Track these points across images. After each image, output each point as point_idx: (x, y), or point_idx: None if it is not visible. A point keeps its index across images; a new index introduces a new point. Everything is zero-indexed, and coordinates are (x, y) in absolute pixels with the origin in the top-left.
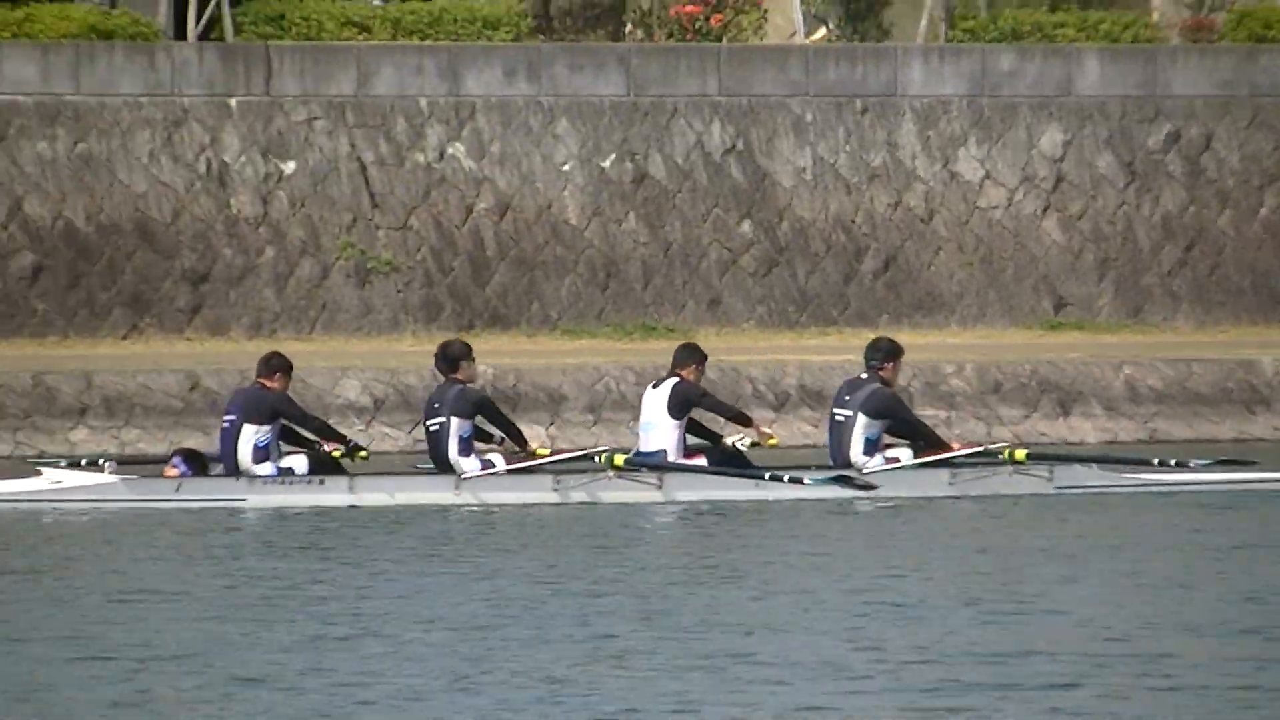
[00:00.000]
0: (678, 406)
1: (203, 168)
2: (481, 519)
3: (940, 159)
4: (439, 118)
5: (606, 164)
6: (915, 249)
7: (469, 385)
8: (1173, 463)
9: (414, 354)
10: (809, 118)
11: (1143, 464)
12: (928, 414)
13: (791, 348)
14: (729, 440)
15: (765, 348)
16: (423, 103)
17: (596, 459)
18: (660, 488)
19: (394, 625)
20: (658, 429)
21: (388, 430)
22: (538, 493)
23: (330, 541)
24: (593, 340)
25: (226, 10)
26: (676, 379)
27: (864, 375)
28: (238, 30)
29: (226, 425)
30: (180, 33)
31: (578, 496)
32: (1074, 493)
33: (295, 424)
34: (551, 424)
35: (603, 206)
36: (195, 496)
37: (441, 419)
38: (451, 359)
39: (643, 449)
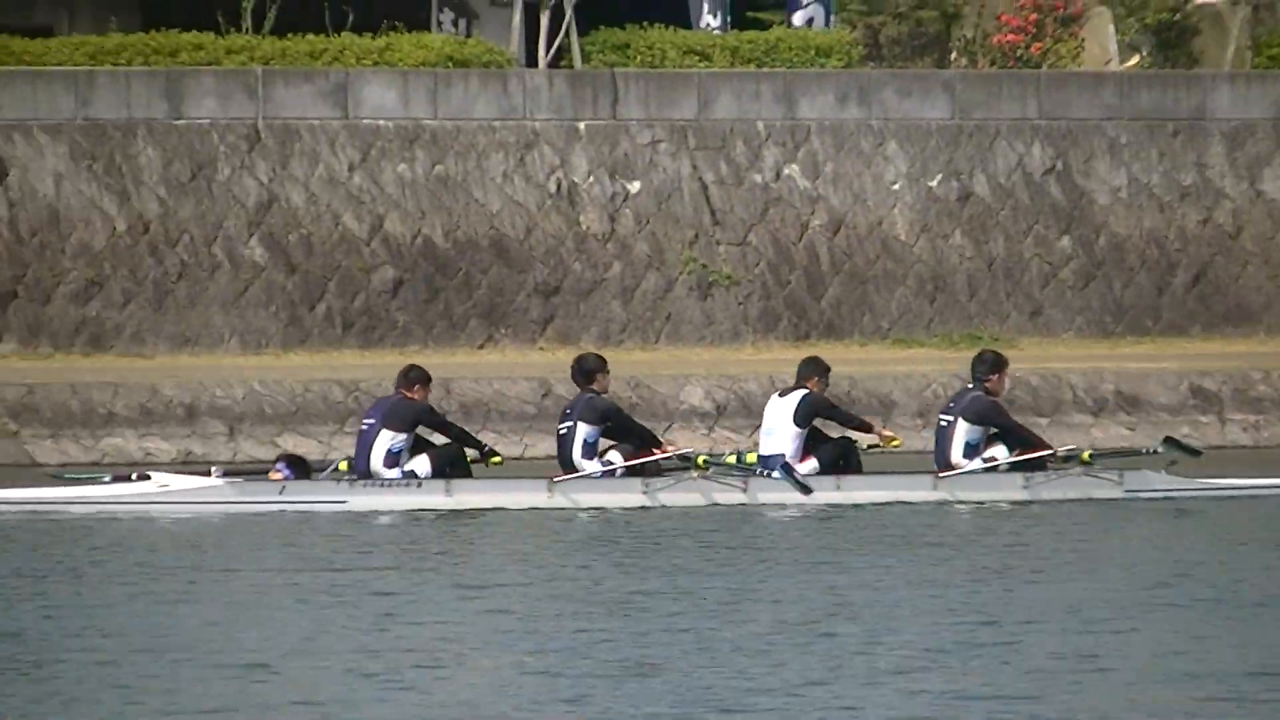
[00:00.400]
0: (804, 416)
1: (553, 187)
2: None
3: (1247, 178)
4: (775, 140)
5: (933, 183)
6: (1224, 263)
7: (600, 395)
8: None
9: (753, 362)
10: (1123, 140)
11: None
12: (1235, 418)
13: (1108, 356)
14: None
15: (1083, 356)
16: (760, 126)
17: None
18: (745, 490)
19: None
20: (779, 435)
21: (730, 434)
22: (626, 495)
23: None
24: (921, 349)
25: (575, 39)
26: (805, 390)
27: (970, 386)
28: (586, 58)
29: (365, 429)
30: (531, 60)
31: (665, 499)
32: (1144, 496)
33: (437, 431)
34: (883, 428)
35: (930, 223)
36: (298, 499)
37: (569, 424)
38: (587, 371)
39: (762, 453)
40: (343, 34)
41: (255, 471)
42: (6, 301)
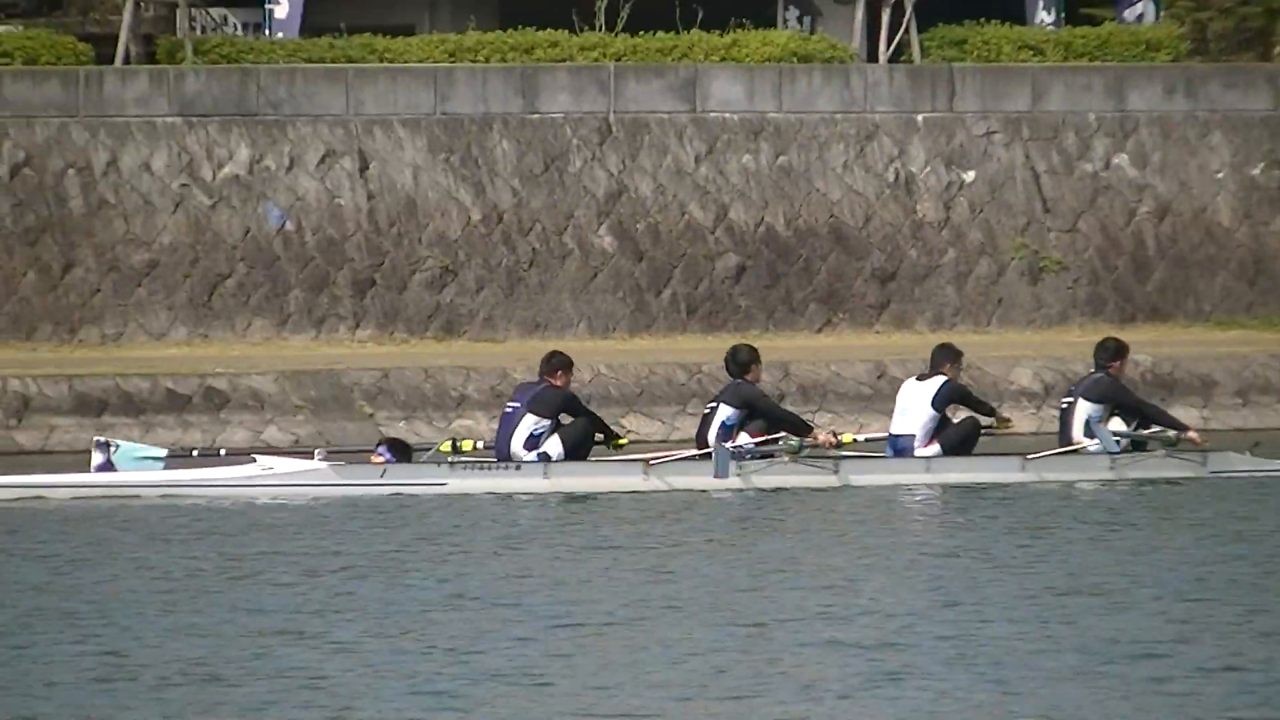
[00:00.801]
0: (943, 401)
1: (891, 177)
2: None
3: None
4: (1105, 131)
5: (1256, 172)
6: None
7: (744, 382)
8: None
9: (1081, 344)
10: None
11: None
12: None
13: None
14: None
15: None
16: (1090, 117)
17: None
18: (836, 473)
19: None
20: (912, 416)
21: (1054, 412)
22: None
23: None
24: (1242, 331)
25: (915, 35)
26: (944, 377)
27: (1093, 371)
28: (924, 53)
29: (509, 411)
30: (872, 55)
31: (759, 481)
32: (1226, 476)
33: (575, 418)
34: (1204, 407)
35: (1252, 210)
36: (399, 481)
37: (713, 405)
38: (742, 363)
39: (894, 431)
40: (692, 31)
41: (357, 453)
42: (365, 289)
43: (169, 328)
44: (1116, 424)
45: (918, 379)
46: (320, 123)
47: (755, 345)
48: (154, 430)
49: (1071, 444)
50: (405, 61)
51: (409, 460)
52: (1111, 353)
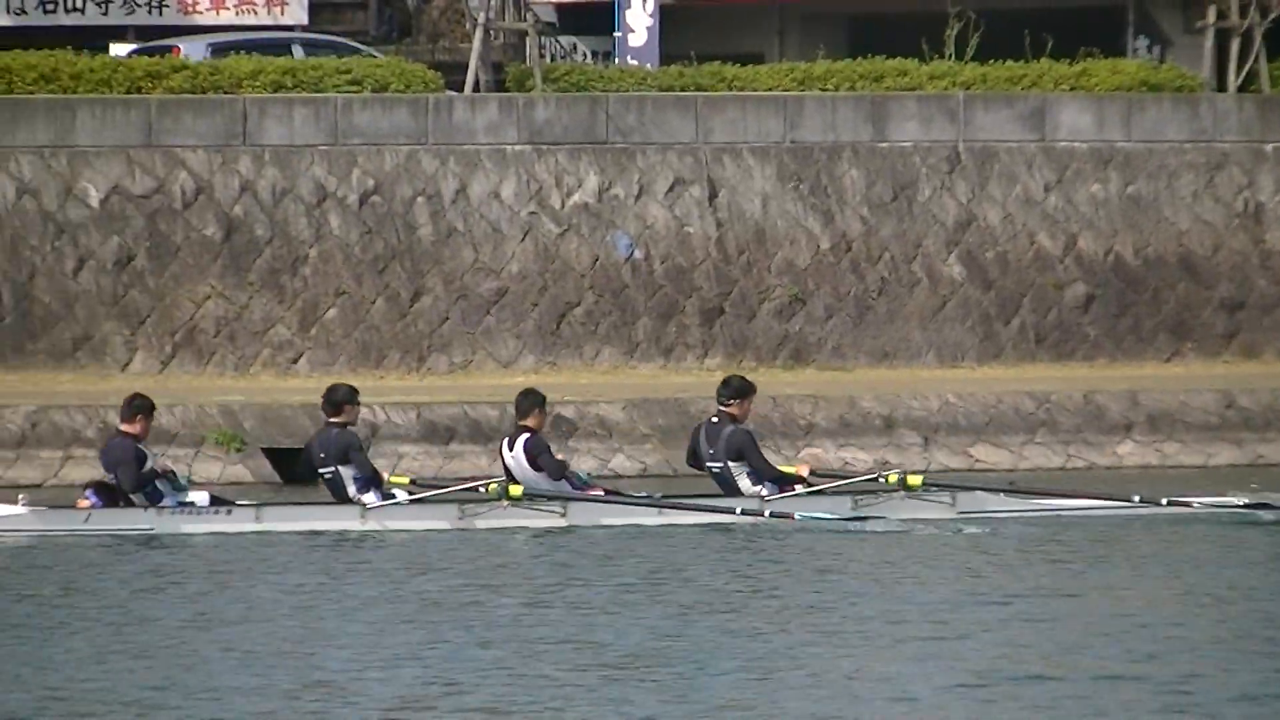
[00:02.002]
0: None
1: (1240, 206)
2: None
3: None
4: None
5: None
6: None
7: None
8: None
9: None
10: None
11: None
12: None
13: None
14: None
15: None
16: None
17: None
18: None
19: None
20: None
21: None
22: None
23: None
24: None
25: (1264, 64)
26: None
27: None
28: (1274, 83)
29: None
30: (1221, 85)
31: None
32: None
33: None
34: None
35: None
36: (103, 527)
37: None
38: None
39: None
40: (1041, 60)
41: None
42: (713, 317)
43: (517, 356)
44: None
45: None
46: (669, 151)
47: (1104, 373)
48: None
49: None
50: (754, 89)
51: (116, 504)
52: (734, 390)
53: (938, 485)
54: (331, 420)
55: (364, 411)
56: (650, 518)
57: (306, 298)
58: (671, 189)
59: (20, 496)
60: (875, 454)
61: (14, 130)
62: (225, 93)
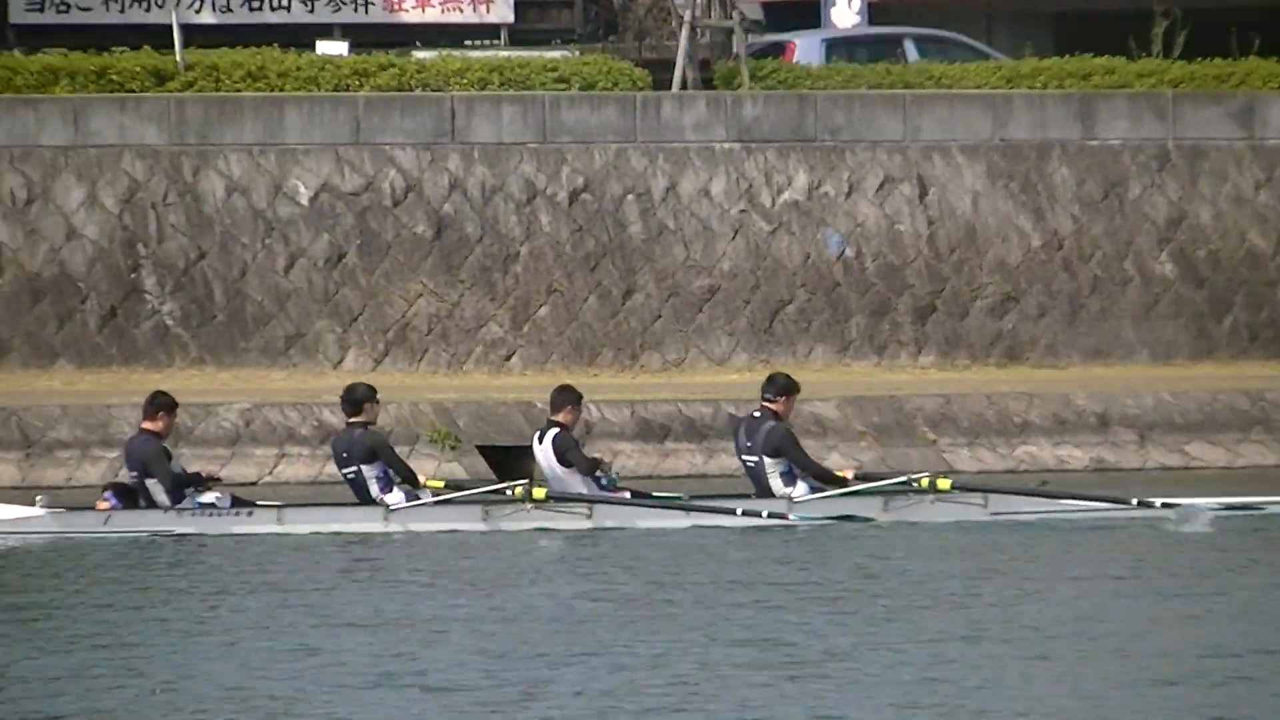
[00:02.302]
0: None
1: None
2: None
3: None
4: None
5: None
6: None
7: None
8: None
9: None
10: None
11: None
12: None
13: None
14: None
15: None
16: None
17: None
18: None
19: None
20: None
21: None
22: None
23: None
24: None
25: None
26: None
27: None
28: None
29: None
30: None
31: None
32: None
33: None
34: None
35: None
36: (122, 529)
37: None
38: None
39: None
40: (1249, 57)
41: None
42: (926, 315)
43: (730, 353)
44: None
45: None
46: (879, 148)
47: None
48: (716, 456)
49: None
50: (963, 87)
51: (135, 506)
52: (779, 388)
53: (969, 488)
54: (352, 420)
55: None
56: (676, 520)
57: (518, 295)
58: (881, 187)
59: (38, 498)
60: (1090, 452)
61: (223, 128)
62: (432, 90)
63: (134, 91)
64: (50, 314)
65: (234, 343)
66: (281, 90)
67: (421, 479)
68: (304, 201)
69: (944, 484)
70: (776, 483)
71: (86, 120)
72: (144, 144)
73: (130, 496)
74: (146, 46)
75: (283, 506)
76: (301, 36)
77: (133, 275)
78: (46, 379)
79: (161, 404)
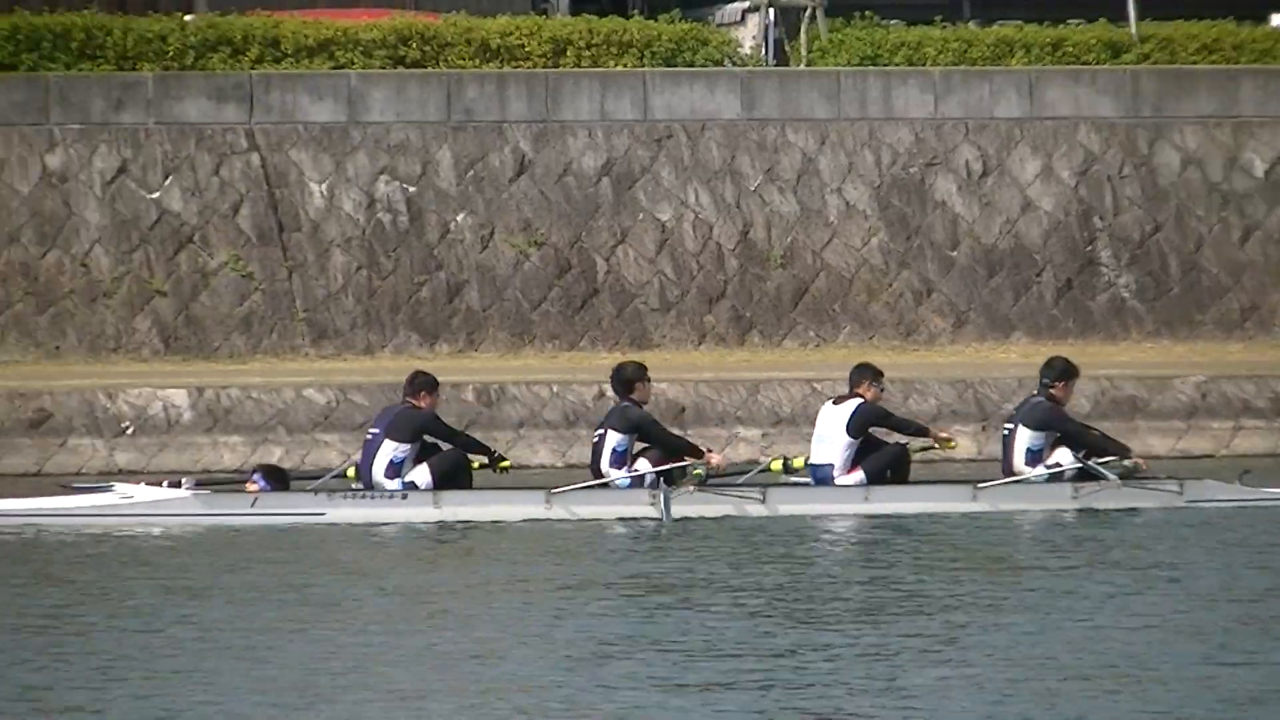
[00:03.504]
0: (858, 426)
1: None
2: None
3: None
4: None
5: None
6: None
7: (631, 404)
8: None
9: None
10: None
11: None
12: None
13: None
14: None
15: None
16: None
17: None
18: (764, 502)
19: None
20: (830, 444)
21: None
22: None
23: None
24: None
25: None
26: (860, 399)
27: (1035, 394)
28: None
29: (369, 439)
30: None
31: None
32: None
33: (443, 440)
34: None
35: None
36: (272, 510)
37: (601, 432)
38: (625, 381)
39: (813, 461)
40: None
41: (228, 483)
42: None
43: None
44: (1064, 456)
45: (834, 403)
46: None
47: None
48: None
49: (1014, 473)
50: None
51: (286, 488)
52: (1057, 373)
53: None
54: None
55: None
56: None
57: None
58: None
59: (184, 480)
60: None
61: (1178, 101)
62: None
63: (1089, 64)
64: (1006, 286)
65: (1189, 315)
66: (1236, 63)
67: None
68: (1259, 174)
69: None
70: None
71: (1041, 92)
72: (1099, 116)
73: (281, 479)
74: (1102, 19)
75: (438, 490)
76: (1255, 8)
77: (1088, 248)
78: (1002, 351)
79: (423, 384)
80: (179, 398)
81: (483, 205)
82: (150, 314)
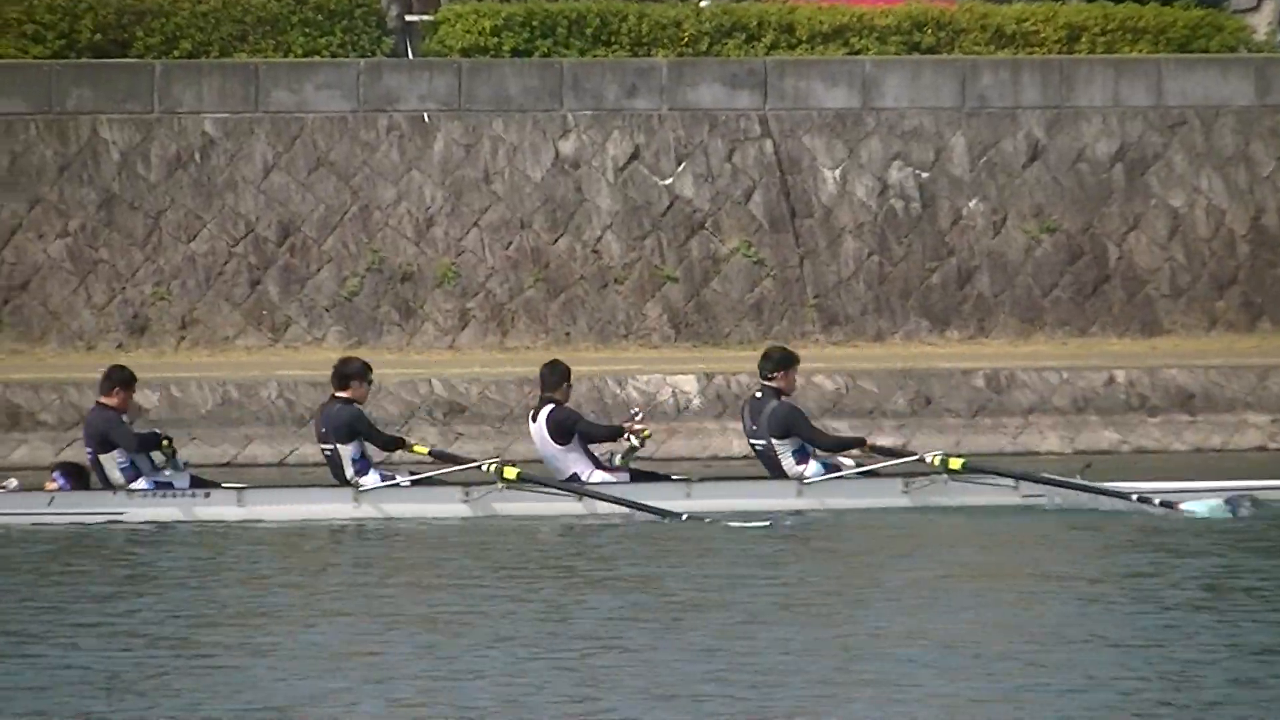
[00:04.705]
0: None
1: None
2: None
3: None
4: None
5: None
6: None
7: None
8: None
9: None
10: None
11: None
12: None
13: None
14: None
15: None
16: None
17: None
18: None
19: None
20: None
21: None
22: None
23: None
24: None
25: None
26: (553, 404)
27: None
28: None
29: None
30: None
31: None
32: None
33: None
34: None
35: None
36: (68, 510)
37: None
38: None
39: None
40: None
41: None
42: None
43: None
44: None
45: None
46: None
47: None
48: None
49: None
50: None
51: (85, 487)
52: (775, 363)
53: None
54: (337, 395)
55: None
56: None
57: None
58: None
59: (11, 480)
60: None
61: None
62: None
63: None
64: None
65: None
66: None
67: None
68: None
69: (956, 463)
70: (789, 462)
71: None
72: None
73: (82, 477)
74: None
75: (243, 489)
76: None
77: None
78: None
79: (119, 379)
80: (688, 384)
81: (995, 191)
82: (660, 300)
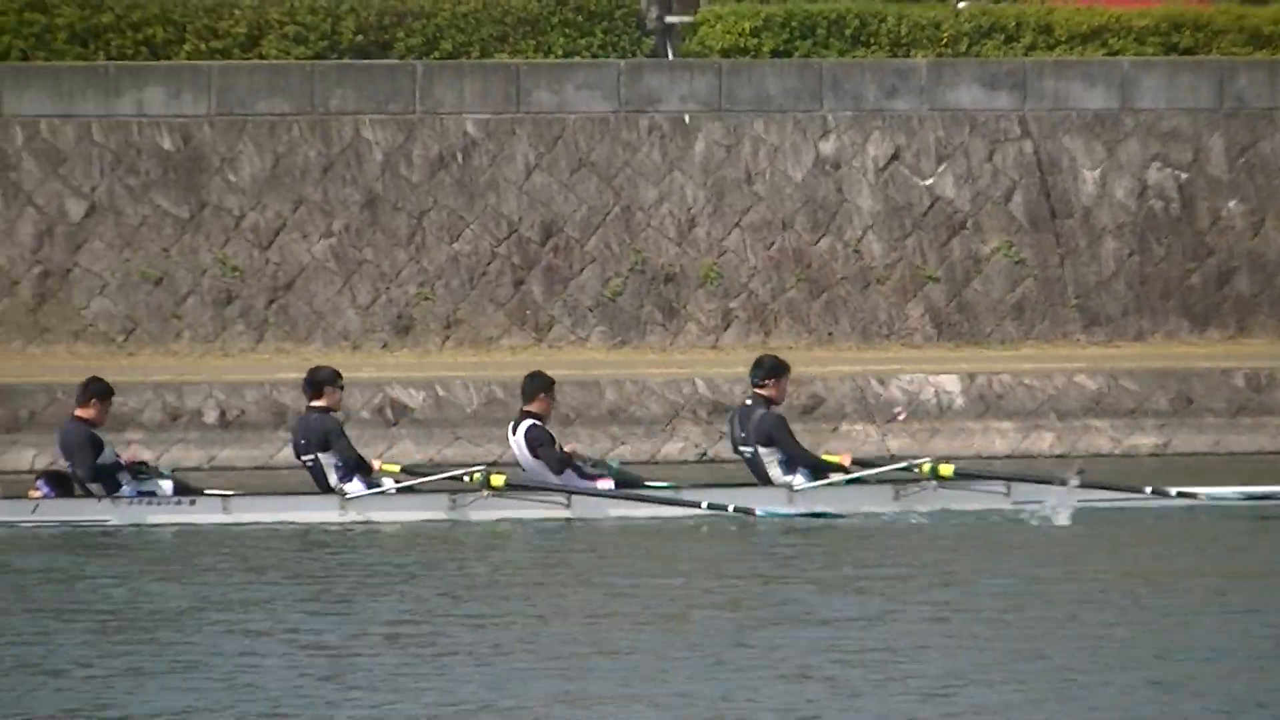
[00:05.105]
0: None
1: None
2: None
3: None
4: None
5: None
6: None
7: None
8: None
9: None
10: None
11: None
12: None
13: None
14: None
15: None
16: None
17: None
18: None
19: None
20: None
21: None
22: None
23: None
24: None
25: None
26: (532, 420)
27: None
28: None
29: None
30: None
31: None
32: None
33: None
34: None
35: None
36: (53, 518)
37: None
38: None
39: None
40: None
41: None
42: None
43: None
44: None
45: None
46: None
47: None
48: None
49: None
50: None
51: (70, 494)
52: (766, 370)
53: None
54: (312, 404)
55: None
56: (650, 510)
57: None
58: None
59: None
60: None
61: None
62: None
63: None
64: None
65: None
66: None
67: (376, 464)
68: None
69: (946, 470)
70: (776, 471)
71: None
72: None
73: (66, 484)
74: None
75: (229, 495)
76: None
77: None
78: None
79: (95, 391)
80: (950, 383)
81: (1254, 192)
82: (922, 300)
